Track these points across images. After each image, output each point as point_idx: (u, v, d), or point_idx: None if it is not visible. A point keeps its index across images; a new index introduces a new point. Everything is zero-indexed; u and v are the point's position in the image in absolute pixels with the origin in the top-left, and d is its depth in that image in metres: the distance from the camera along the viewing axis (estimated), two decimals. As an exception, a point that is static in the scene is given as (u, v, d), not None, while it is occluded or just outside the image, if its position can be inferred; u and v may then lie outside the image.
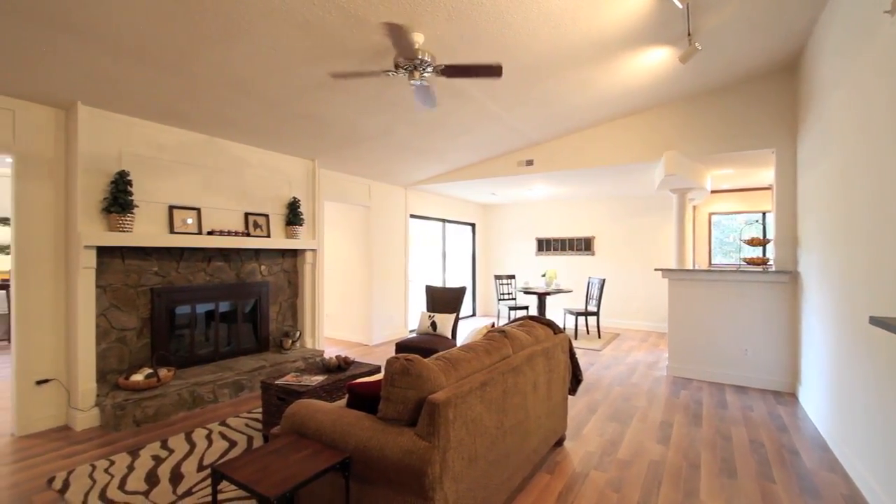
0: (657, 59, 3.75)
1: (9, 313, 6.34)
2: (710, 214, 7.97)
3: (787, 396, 4.18)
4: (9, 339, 6.37)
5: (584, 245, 8.54)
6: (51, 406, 3.41)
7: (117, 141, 3.64)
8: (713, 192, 7.64)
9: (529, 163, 5.85)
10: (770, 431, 3.35)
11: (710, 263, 7.97)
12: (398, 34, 2.53)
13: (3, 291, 6.47)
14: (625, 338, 7.05)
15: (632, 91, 4.40)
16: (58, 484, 2.53)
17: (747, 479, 2.64)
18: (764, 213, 7.48)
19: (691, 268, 6.33)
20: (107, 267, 3.59)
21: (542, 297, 7.09)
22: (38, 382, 3.36)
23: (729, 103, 4.66)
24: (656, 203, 7.83)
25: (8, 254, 7.30)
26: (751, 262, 4.69)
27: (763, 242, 4.70)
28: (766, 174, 6.10)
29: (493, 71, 2.82)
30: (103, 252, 3.55)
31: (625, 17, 3.05)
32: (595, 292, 6.93)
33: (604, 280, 6.82)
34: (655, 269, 5.17)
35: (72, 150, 3.43)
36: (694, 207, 7.96)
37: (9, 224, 7.34)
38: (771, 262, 4.72)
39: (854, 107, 2.66)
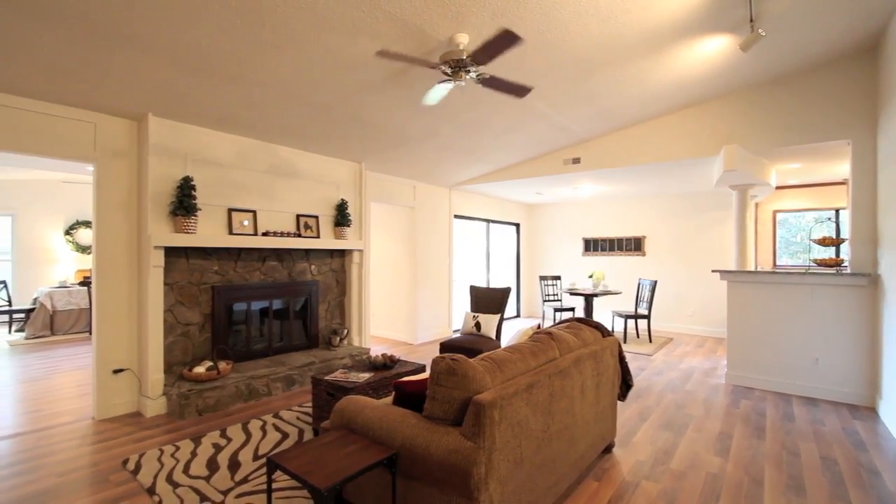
0: (715, 48, 3.55)
1: (90, 308, 6.98)
2: (775, 212, 7.43)
3: (865, 411, 3.81)
4: (90, 332, 7.00)
5: (633, 245, 8.22)
6: (125, 393, 3.71)
7: (182, 148, 3.90)
8: (778, 187, 7.12)
9: (576, 161, 5.71)
10: (845, 448, 3.08)
11: (774, 265, 7.43)
12: (391, 56, 2.60)
13: (86, 288, 7.12)
14: (678, 342, 6.71)
15: (687, 83, 4.18)
16: (131, 465, 2.75)
17: (818, 499, 2.44)
18: (837, 211, 6.89)
19: (753, 269, 5.93)
20: (173, 266, 3.86)
21: (588, 299, 6.90)
22: (115, 371, 3.66)
23: (796, 92, 4.32)
24: (714, 200, 7.40)
25: (90, 253, 8.03)
26: (822, 263, 4.32)
27: (836, 242, 4.32)
28: (840, 168, 5.61)
29: (508, 38, 2.66)
30: (170, 252, 3.82)
31: (680, 5, 2.90)
32: (646, 294, 6.65)
33: (655, 282, 6.52)
34: (713, 271, 4.89)
35: (143, 158, 3.71)
36: (756, 205, 7.45)
37: (90, 227, 8.07)
38: (846, 264, 4.33)
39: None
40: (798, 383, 4.24)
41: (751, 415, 3.70)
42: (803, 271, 4.21)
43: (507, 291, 4.95)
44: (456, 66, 2.89)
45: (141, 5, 2.39)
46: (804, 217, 7.29)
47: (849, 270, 4.11)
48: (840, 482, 2.62)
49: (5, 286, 7.28)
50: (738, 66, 3.96)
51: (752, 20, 3.07)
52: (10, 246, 7.66)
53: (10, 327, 7.00)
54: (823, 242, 4.38)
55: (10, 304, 7.20)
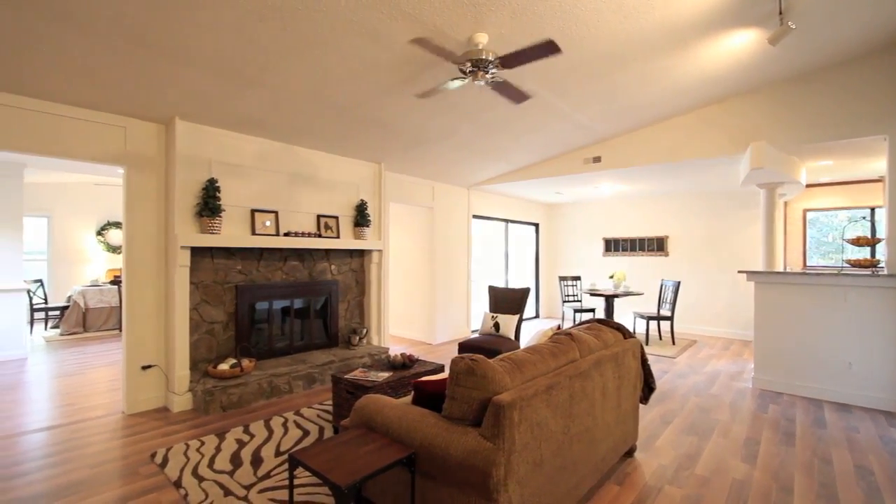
0: (742, 43, 3.45)
1: (120, 306, 7.23)
2: (805, 211, 7.18)
3: (903, 418, 3.65)
4: (120, 329, 7.24)
5: (656, 245, 8.06)
6: (153, 389, 3.83)
7: (207, 151, 4.00)
8: (808, 185, 6.88)
9: (597, 160, 5.63)
10: (881, 457, 2.95)
11: (804, 265, 7.18)
12: (427, 46, 2.57)
13: (116, 286, 7.37)
14: (703, 345, 6.55)
15: (712, 79, 4.08)
16: (159, 459, 2.84)
17: (853, 509, 2.34)
18: (872, 209, 6.61)
19: (782, 270, 5.75)
20: (198, 265, 3.96)
21: (609, 300, 6.80)
22: (143, 368, 3.78)
23: (828, 86, 4.17)
24: (740, 199, 7.19)
25: (120, 253, 8.31)
26: (856, 264, 4.16)
27: (872, 242, 4.15)
28: (875, 165, 5.38)
29: (549, 49, 2.67)
30: (196, 252, 3.92)
31: (704, -1, 2.83)
32: (669, 295, 6.51)
33: (678, 283, 6.38)
34: (739, 272, 4.76)
35: (170, 161, 3.82)
36: (785, 203, 7.21)
37: (121, 227, 8.34)
38: (882, 265, 4.16)
39: None
40: (830, 388, 4.08)
41: (779, 420, 3.59)
42: (836, 272, 4.06)
43: (526, 292, 4.92)
44: (476, 66, 2.89)
45: (168, 13, 2.46)
46: (836, 216, 7.02)
47: (885, 272, 3.94)
48: (876, 492, 2.51)
49: (42, 285, 7.60)
50: (765, 61, 3.84)
51: (781, 13, 2.97)
52: (46, 246, 7.98)
53: (45, 324, 7.30)
54: (858, 242, 4.21)
55: (46, 302, 7.51)
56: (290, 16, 2.59)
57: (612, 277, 7.03)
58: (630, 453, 2.93)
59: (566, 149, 5.72)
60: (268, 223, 4.38)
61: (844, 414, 3.74)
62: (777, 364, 4.36)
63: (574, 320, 7.30)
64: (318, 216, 4.87)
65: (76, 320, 6.95)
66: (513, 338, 4.63)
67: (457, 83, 3.09)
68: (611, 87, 3.99)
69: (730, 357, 5.78)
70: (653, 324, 7.81)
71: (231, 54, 2.92)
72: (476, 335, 5.35)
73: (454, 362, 1.95)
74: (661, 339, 6.77)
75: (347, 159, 5.23)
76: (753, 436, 3.27)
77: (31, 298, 7.08)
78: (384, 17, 2.69)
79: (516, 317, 4.72)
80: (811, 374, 4.18)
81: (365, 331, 5.20)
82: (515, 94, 3.26)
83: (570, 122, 4.79)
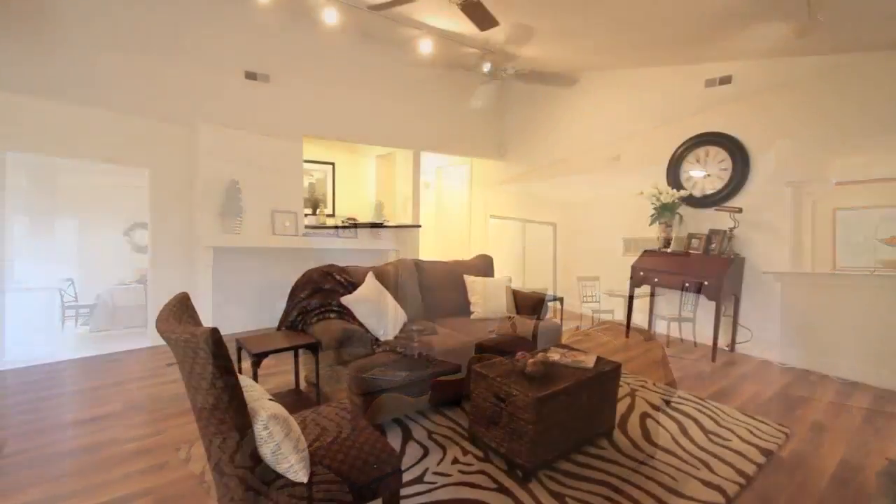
0: (767, 36, 3.35)
1: (146, 304, 7.43)
2: (835, 210, 6.92)
3: (941, 426, 3.50)
4: (146, 326, 7.44)
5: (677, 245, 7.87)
6: (177, 386, 3.92)
7: (229, 153, 4.08)
8: (839, 183, 6.62)
9: (616, 158, 5.55)
10: (917, 466, 2.83)
11: (834, 266, 6.92)
12: (522, 33, 2.58)
13: (142, 285, 7.58)
14: (726, 348, 6.37)
15: (737, 74, 3.97)
16: (182, 454, 2.91)
17: (886, 520, 2.25)
18: (907, 208, 6.34)
19: (809, 271, 5.57)
20: (220, 264, 4.05)
21: (629, 301, 6.68)
22: (168, 365, 3.88)
23: (859, 78, 4.02)
24: (765, 198, 6.97)
25: (145, 253, 8.53)
26: (890, 264, 4.00)
27: (907, 242, 3.99)
28: (911, 161, 5.17)
29: (567, 82, 2.72)
30: (218, 251, 4.01)
31: (728, -7, 2.77)
32: (690, 297, 6.36)
33: (701, 283, 6.22)
34: (764, 273, 4.62)
35: (193, 163, 3.92)
36: (813, 202, 6.97)
37: (146, 228, 8.56)
38: (918, 266, 3.99)
39: None
40: (861, 392, 3.93)
41: (807, 423, 3.47)
42: (869, 273, 3.91)
43: (543, 293, 4.88)
44: (497, 68, 2.90)
45: (190, 20, 2.52)
46: (869, 215, 6.75)
47: (921, 273, 3.78)
48: (911, 503, 2.41)
49: (72, 283, 7.87)
50: (791, 55, 3.73)
51: (809, 5, 2.88)
52: (77, 246, 8.27)
53: (76, 321, 7.56)
54: (893, 242, 4.05)
55: (76, 300, 7.77)
56: (306, 19, 2.63)
57: (631, 279, 6.91)
58: (651, 456, 2.88)
59: (585, 147, 5.66)
60: (287, 224, 4.45)
61: (878, 418, 3.60)
62: (803, 368, 4.22)
63: (593, 322, 7.22)
64: (336, 216, 4.92)
65: (105, 318, 7.17)
66: (530, 339, 4.59)
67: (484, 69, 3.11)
68: (631, 84, 3.93)
69: (755, 360, 5.62)
70: (674, 325, 7.64)
71: (251, 59, 2.97)
72: (493, 335, 5.32)
73: (472, 363, 1.94)
74: (682, 341, 6.62)
75: (365, 161, 5.28)
76: (778, 439, 3.18)
77: (62, 296, 7.35)
78: (396, 24, 2.70)
79: (534, 318, 4.68)
80: (840, 380, 4.03)
81: (382, 331, 5.22)
82: (492, 101, 3.35)
83: (588, 121, 4.73)
